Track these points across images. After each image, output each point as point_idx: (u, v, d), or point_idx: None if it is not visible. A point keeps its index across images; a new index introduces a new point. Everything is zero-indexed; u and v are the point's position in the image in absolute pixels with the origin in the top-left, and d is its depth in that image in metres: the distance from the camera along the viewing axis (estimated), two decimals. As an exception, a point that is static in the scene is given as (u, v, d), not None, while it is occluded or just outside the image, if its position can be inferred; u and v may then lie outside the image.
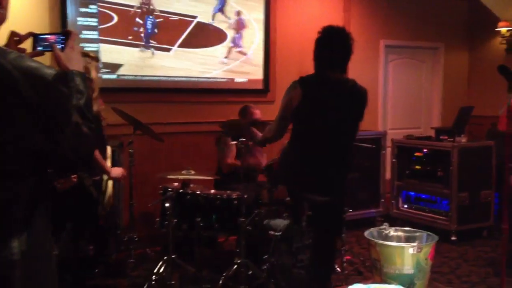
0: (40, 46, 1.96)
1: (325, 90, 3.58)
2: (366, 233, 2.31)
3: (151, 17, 5.95)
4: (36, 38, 1.97)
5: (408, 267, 2.16)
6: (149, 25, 5.96)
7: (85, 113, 1.80)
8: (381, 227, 2.38)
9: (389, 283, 2.15)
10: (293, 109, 3.59)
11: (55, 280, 1.89)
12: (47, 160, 1.82)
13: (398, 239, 2.35)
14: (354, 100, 3.64)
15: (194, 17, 6.25)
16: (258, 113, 5.44)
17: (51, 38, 1.95)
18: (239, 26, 6.57)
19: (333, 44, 3.55)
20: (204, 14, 6.32)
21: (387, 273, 2.19)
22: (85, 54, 3.99)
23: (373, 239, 2.25)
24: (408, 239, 2.35)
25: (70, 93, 1.78)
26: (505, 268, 3.99)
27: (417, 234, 2.36)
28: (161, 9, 6.02)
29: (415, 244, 2.20)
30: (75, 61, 1.90)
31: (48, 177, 1.89)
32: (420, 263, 2.17)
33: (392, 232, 2.37)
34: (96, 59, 4.05)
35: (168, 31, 6.10)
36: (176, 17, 6.12)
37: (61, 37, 1.94)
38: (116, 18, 5.74)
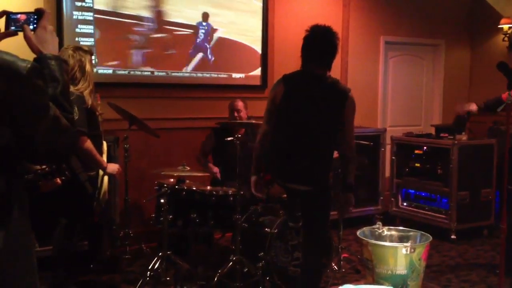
0: (13, 26, 1.83)
1: (305, 85, 3.70)
2: (358, 232, 2.26)
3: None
4: (9, 17, 1.84)
5: (401, 268, 2.11)
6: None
7: (62, 103, 1.70)
8: (374, 226, 2.33)
9: (381, 284, 2.10)
10: (277, 104, 3.71)
11: (35, 276, 1.83)
12: (18, 157, 1.72)
13: (391, 239, 2.30)
14: (332, 96, 3.68)
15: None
16: (239, 105, 5.52)
17: (22, 17, 1.82)
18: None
19: (317, 43, 3.65)
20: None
21: (379, 273, 2.14)
22: (78, 48, 3.96)
23: (365, 239, 2.20)
24: (401, 239, 2.30)
25: (45, 86, 1.68)
26: (503, 268, 3.94)
27: (411, 233, 2.31)
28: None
29: (408, 244, 2.15)
30: (49, 43, 1.78)
31: (26, 175, 1.81)
32: (414, 264, 2.12)
33: (385, 231, 2.33)
34: (90, 52, 4.01)
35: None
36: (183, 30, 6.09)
37: (33, 17, 1.81)
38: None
